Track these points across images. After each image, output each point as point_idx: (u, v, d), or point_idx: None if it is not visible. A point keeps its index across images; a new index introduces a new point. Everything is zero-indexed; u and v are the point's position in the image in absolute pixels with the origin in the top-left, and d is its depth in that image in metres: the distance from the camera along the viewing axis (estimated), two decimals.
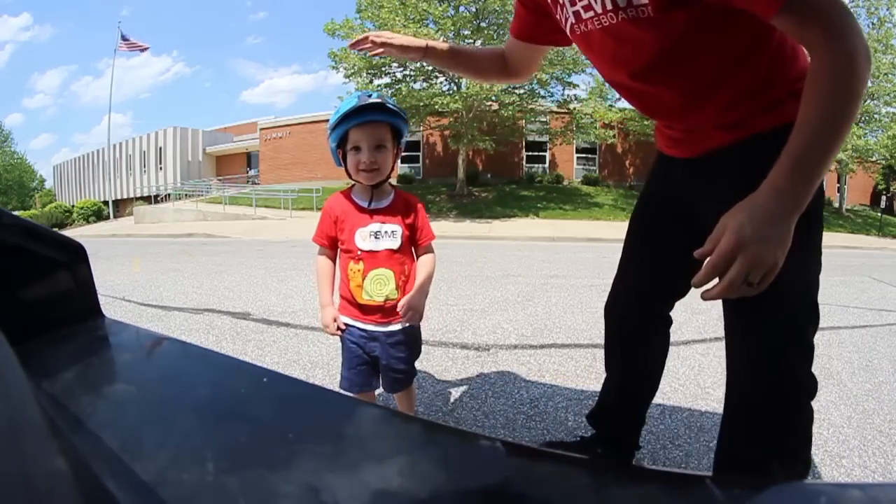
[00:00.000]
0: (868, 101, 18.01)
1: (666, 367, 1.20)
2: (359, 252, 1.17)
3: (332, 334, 1.23)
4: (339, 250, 1.24)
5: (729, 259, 0.61)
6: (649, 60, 0.81)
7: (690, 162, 0.93)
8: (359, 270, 1.17)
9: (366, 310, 1.19)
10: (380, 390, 1.33)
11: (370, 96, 1.10)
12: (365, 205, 1.20)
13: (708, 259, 0.64)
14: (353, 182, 1.22)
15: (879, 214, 19.71)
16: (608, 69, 0.91)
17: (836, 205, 20.48)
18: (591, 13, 0.80)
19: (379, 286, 1.17)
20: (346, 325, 1.23)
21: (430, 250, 1.27)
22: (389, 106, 1.11)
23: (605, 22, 0.79)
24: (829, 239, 11.09)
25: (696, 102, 0.85)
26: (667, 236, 1.05)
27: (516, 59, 1.14)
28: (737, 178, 0.76)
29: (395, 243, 1.18)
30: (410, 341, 1.25)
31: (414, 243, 1.25)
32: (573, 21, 0.85)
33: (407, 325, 1.21)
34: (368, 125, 1.11)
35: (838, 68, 0.62)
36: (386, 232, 1.18)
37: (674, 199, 1.01)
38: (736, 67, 0.79)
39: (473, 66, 1.22)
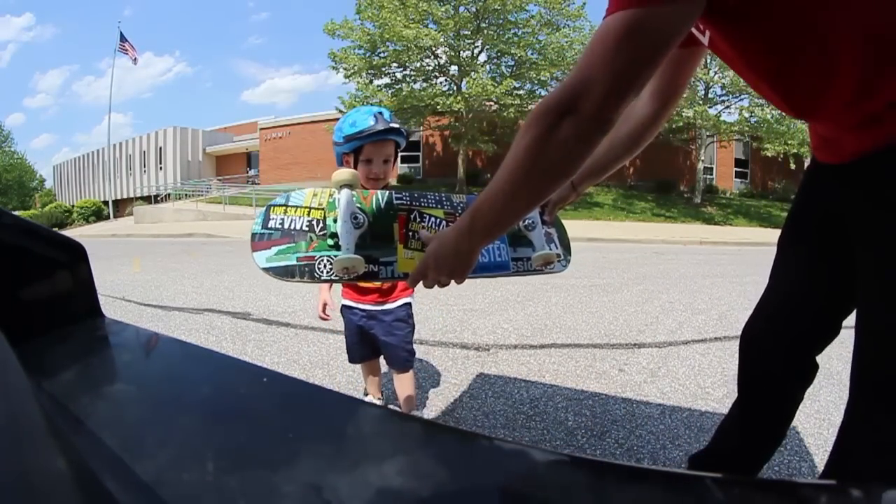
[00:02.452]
0: None
1: (666, 367, 1.18)
2: None
3: (321, 318, 1.48)
4: None
5: (424, 269, 0.81)
6: (746, 51, 0.71)
7: (839, 169, 0.77)
8: None
9: (363, 291, 1.42)
10: (385, 369, 1.55)
11: (382, 114, 1.29)
12: None
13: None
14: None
15: None
16: (737, 71, 0.81)
17: None
18: None
19: None
20: (347, 306, 1.46)
21: None
22: (401, 129, 1.31)
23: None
24: None
25: (812, 96, 0.72)
26: (809, 257, 0.90)
27: (666, 77, 0.97)
28: (880, 189, 0.68)
29: None
30: (403, 317, 1.45)
31: None
32: (700, 26, 0.77)
33: (399, 303, 1.42)
34: (381, 143, 1.31)
35: (532, 134, 0.64)
36: None
37: (823, 213, 0.86)
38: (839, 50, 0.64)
39: (619, 147, 1.05)
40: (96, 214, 24.05)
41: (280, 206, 0.93)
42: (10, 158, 36.34)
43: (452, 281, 0.81)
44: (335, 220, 0.93)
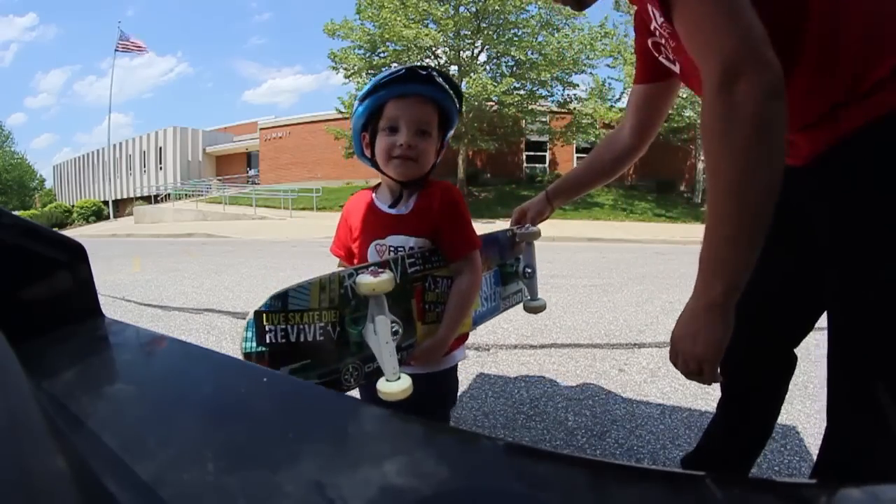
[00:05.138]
0: None
1: (666, 367, 1.19)
2: None
3: None
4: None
5: (673, 355, 0.70)
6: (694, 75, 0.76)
7: (798, 170, 0.77)
8: None
9: None
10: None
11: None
12: (386, 207, 0.92)
13: None
14: (379, 180, 0.96)
15: None
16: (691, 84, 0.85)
17: None
18: (661, 42, 0.77)
19: None
20: None
21: (464, 268, 0.90)
22: (441, 80, 0.85)
23: (669, 48, 0.76)
24: None
25: None
26: (779, 254, 0.90)
27: (643, 114, 1.04)
28: (835, 187, 0.70)
29: None
30: (437, 389, 0.95)
31: (445, 256, 0.91)
32: (664, 55, 0.82)
33: (444, 367, 0.95)
34: (412, 99, 0.84)
35: (717, 121, 0.55)
36: (413, 248, 0.88)
37: (790, 212, 0.86)
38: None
39: (599, 171, 1.14)
40: (96, 214, 24.06)
41: (276, 312, 0.66)
42: (11, 158, 36.33)
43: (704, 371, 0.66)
44: (354, 321, 0.73)
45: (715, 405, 1.13)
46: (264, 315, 0.65)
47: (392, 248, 0.88)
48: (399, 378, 0.72)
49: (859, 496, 0.31)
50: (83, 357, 0.52)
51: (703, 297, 0.62)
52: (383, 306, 0.71)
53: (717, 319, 0.62)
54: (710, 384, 0.68)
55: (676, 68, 0.85)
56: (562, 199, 1.18)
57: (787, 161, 0.84)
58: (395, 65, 16.24)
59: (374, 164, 0.90)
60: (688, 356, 0.65)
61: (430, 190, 0.92)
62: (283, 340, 0.66)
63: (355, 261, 0.94)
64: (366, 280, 0.69)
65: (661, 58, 0.88)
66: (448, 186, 0.93)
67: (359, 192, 1.00)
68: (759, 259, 0.99)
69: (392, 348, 0.71)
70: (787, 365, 1.01)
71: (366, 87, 0.85)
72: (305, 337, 0.68)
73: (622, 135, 1.09)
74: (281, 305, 0.66)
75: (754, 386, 1.02)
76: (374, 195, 0.96)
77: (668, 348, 0.71)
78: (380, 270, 0.70)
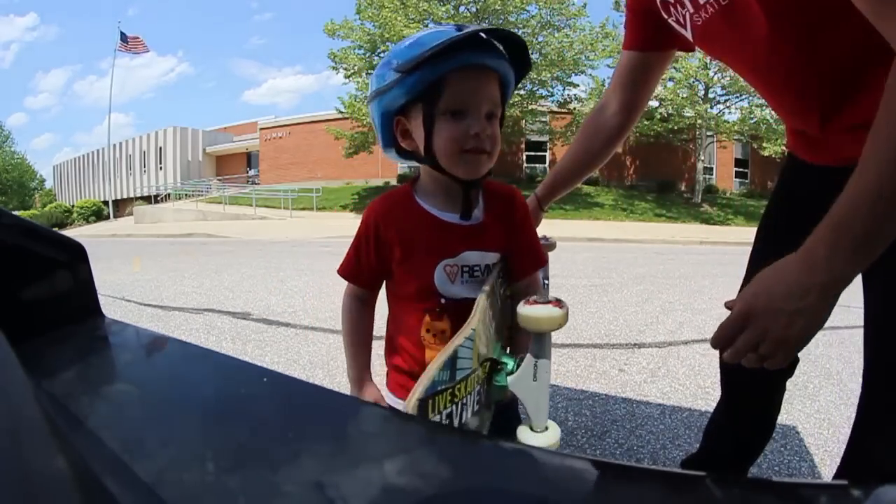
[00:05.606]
0: None
1: (666, 367, 1.18)
2: (442, 301, 0.71)
3: None
4: (391, 292, 0.78)
5: (738, 326, 0.56)
6: (766, 41, 0.65)
7: (827, 171, 0.70)
8: (443, 331, 0.71)
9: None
10: None
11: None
12: (454, 218, 0.73)
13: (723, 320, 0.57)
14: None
15: None
16: (734, 62, 0.77)
17: None
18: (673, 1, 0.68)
19: None
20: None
21: (526, 288, 0.78)
22: (498, 44, 0.66)
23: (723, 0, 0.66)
24: None
25: (828, 97, 0.66)
26: (790, 251, 0.91)
27: (633, 88, 0.94)
28: None
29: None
30: (509, 423, 0.78)
31: (513, 273, 0.78)
32: (691, 11, 0.72)
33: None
34: (479, 73, 0.65)
35: None
36: (489, 266, 0.73)
37: (804, 211, 0.80)
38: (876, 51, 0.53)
39: (587, 162, 1.04)
40: (96, 214, 24.08)
41: (444, 391, 0.47)
42: (11, 158, 36.36)
43: (774, 358, 0.55)
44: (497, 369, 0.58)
45: (714, 405, 1.13)
46: (430, 403, 0.45)
47: (466, 269, 0.72)
48: (547, 429, 0.57)
49: (859, 496, 0.31)
50: (83, 357, 0.52)
51: (827, 273, 0.50)
52: (550, 345, 0.57)
53: (828, 304, 0.52)
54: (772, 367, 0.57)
55: (688, 34, 0.75)
56: (551, 199, 1.10)
57: (816, 160, 0.78)
58: None
59: (423, 159, 0.70)
60: (773, 336, 0.53)
61: (490, 190, 0.76)
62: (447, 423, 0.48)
63: (398, 286, 0.75)
64: (553, 313, 0.53)
65: (670, 20, 0.78)
66: (513, 189, 0.79)
67: (386, 195, 0.77)
68: (766, 256, 0.97)
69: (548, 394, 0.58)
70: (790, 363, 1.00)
71: (407, 53, 0.63)
72: (466, 414, 0.50)
73: (607, 115, 0.98)
74: (449, 377, 0.46)
75: (753, 385, 1.01)
76: (418, 200, 0.74)
77: (733, 319, 0.57)
78: (552, 299, 0.57)
